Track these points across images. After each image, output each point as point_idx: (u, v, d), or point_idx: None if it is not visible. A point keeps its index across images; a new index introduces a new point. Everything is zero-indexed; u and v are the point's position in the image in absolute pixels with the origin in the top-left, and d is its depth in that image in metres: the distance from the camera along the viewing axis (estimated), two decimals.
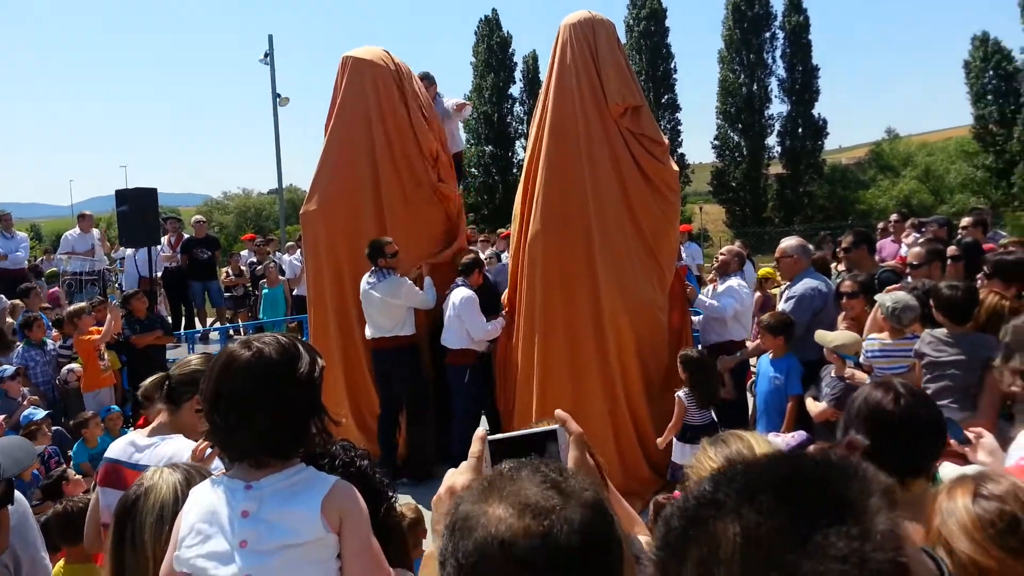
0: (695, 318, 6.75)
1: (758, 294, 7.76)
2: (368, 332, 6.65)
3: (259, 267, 13.16)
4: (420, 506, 3.88)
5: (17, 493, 2.19)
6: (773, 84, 41.47)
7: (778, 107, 41.80)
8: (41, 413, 6.33)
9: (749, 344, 6.32)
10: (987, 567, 1.53)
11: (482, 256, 7.84)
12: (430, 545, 1.29)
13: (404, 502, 3.35)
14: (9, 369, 6.94)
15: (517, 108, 44.53)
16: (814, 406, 4.85)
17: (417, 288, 6.64)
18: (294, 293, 12.52)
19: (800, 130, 41.30)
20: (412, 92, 7.10)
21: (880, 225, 11.30)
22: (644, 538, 1.51)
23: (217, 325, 13.49)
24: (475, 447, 1.26)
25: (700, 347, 6.40)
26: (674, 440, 5.53)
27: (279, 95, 21.46)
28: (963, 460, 2.41)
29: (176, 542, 1.78)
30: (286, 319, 12.17)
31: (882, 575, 0.64)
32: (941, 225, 8.59)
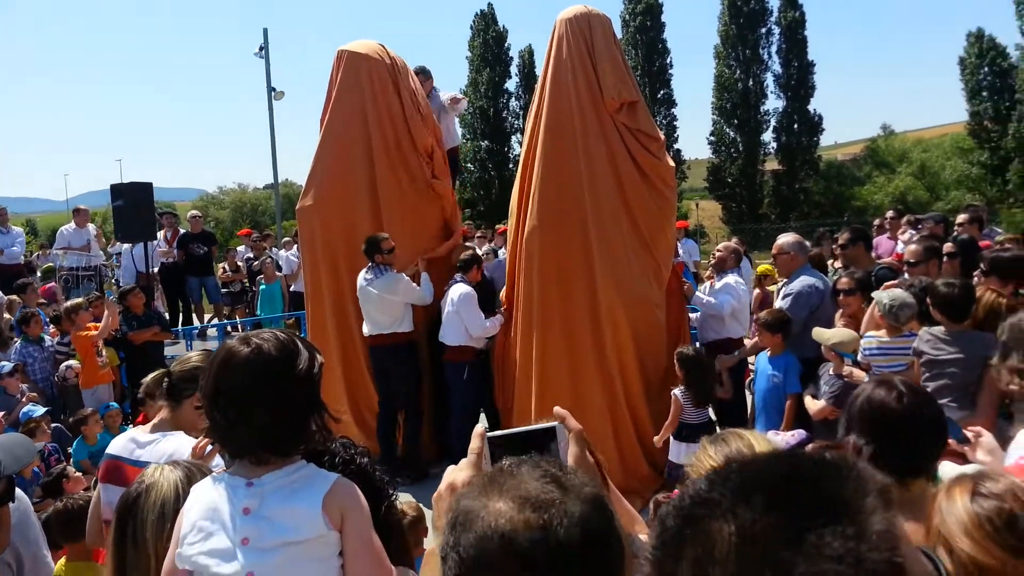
0: (692, 315, 6.75)
1: (757, 291, 7.76)
2: (366, 329, 6.64)
3: (256, 263, 13.14)
4: (420, 504, 3.88)
5: (18, 491, 2.20)
6: (769, 80, 41.54)
7: (774, 103, 41.91)
8: (40, 410, 6.31)
9: (747, 342, 6.32)
10: (987, 566, 1.53)
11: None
12: (431, 543, 1.30)
13: (405, 500, 3.35)
14: (7, 366, 6.91)
15: (513, 103, 44.51)
16: (813, 404, 4.85)
17: (414, 284, 6.63)
18: (291, 289, 12.50)
19: (796, 126, 41.29)
20: (407, 87, 7.08)
21: (876, 222, 11.29)
22: (645, 537, 1.51)
23: (215, 321, 13.47)
24: (475, 443, 1.27)
25: (698, 344, 6.41)
26: (671, 438, 5.52)
27: (274, 89, 21.38)
28: (962, 459, 2.41)
29: (178, 539, 1.79)
30: (284, 315, 12.16)
31: (878, 575, 0.64)
32: (937, 222, 8.61)
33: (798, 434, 3.38)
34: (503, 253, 8.94)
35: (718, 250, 6.81)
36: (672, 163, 6.44)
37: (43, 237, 30.82)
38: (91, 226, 12.69)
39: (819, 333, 4.87)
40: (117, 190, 10.38)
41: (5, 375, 6.75)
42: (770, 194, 42.75)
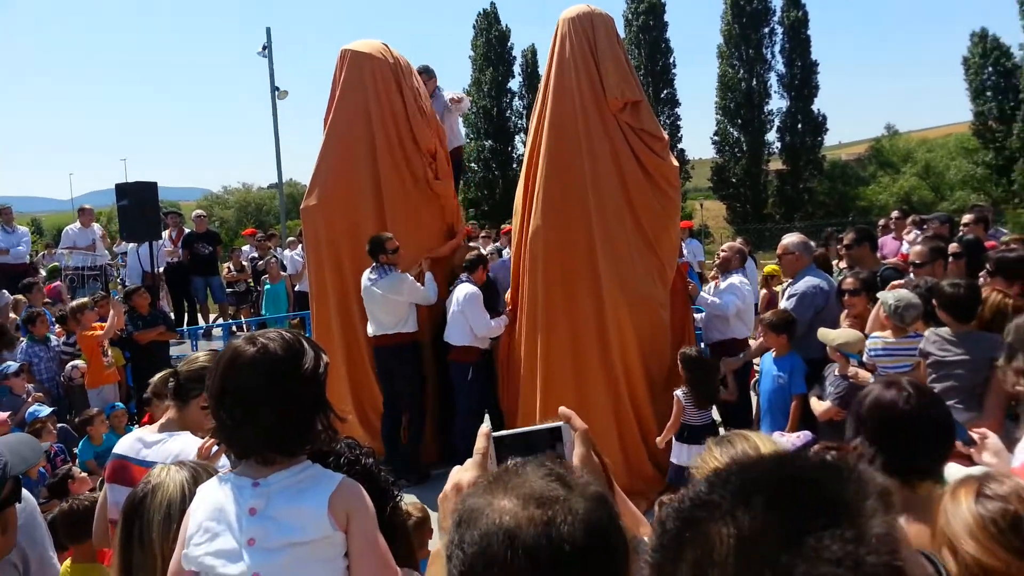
0: (697, 316, 6.74)
1: (764, 291, 7.73)
2: (370, 329, 6.64)
3: (260, 263, 13.16)
4: (426, 506, 3.87)
5: (25, 491, 2.19)
6: (772, 79, 41.40)
7: (777, 103, 41.78)
8: (46, 410, 6.33)
9: (752, 342, 6.31)
10: (992, 568, 1.52)
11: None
12: (437, 543, 1.30)
13: (410, 501, 3.35)
14: (13, 365, 6.91)
15: (516, 102, 44.48)
16: (818, 405, 4.84)
17: (419, 284, 6.63)
18: (296, 289, 12.52)
19: (800, 126, 41.19)
20: (410, 87, 7.07)
21: (881, 222, 11.27)
22: None
23: (219, 321, 13.49)
24: (480, 444, 1.28)
25: (703, 345, 6.39)
26: (673, 440, 5.50)
27: (278, 88, 21.37)
28: (968, 461, 2.40)
29: (184, 540, 1.79)
30: (288, 315, 12.18)
31: None
32: (943, 222, 8.57)
33: (804, 435, 3.36)
34: (507, 253, 8.93)
35: (723, 250, 6.79)
36: (676, 163, 6.44)
37: (48, 236, 30.95)
38: (96, 226, 12.72)
39: (824, 334, 4.86)
40: (122, 190, 10.41)
41: (11, 375, 6.76)
42: (774, 194, 42.66)
